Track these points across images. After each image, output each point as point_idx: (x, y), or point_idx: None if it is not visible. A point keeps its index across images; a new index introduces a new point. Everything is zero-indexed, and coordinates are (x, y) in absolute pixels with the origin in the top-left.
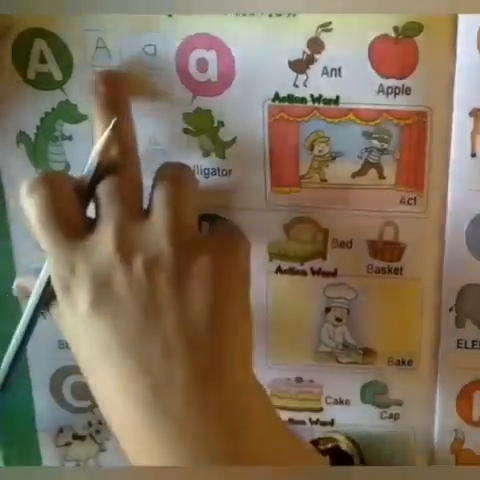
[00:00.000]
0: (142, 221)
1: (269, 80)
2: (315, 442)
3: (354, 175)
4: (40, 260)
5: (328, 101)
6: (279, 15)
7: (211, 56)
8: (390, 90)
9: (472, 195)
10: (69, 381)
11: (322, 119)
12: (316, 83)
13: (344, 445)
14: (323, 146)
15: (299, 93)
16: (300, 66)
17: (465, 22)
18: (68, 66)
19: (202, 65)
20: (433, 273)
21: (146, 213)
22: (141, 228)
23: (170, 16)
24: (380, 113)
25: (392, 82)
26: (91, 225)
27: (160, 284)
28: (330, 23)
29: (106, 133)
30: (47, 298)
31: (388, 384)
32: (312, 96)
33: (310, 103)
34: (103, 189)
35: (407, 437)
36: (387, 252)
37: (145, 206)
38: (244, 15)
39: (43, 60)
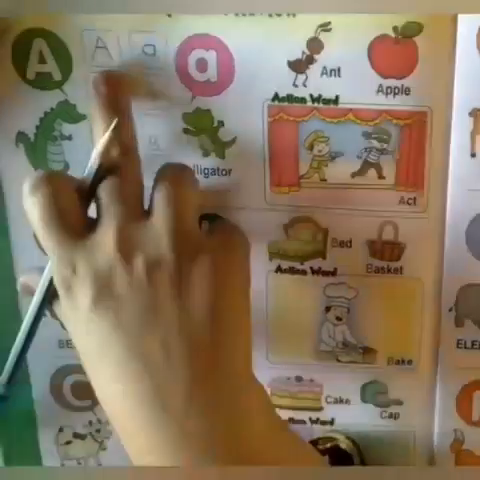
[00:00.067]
0: (143, 221)
1: (269, 80)
2: (314, 442)
3: (354, 175)
4: (40, 259)
5: (328, 101)
6: (279, 15)
7: (211, 56)
8: (390, 90)
9: (472, 195)
10: (69, 380)
11: (322, 119)
12: (316, 83)
13: (344, 444)
14: (323, 146)
15: (299, 93)
16: (300, 66)
17: (465, 22)
18: (67, 66)
19: (202, 65)
20: (433, 273)
21: (147, 213)
22: (142, 228)
23: (170, 16)
24: (380, 113)
25: (392, 82)
26: (92, 225)
27: (161, 284)
28: (329, 23)
29: (107, 134)
30: (51, 297)
31: (388, 384)
32: (312, 96)
33: (310, 103)
34: (104, 189)
35: (407, 437)
36: (387, 252)
37: (146, 206)
38: (244, 15)
39: (42, 60)
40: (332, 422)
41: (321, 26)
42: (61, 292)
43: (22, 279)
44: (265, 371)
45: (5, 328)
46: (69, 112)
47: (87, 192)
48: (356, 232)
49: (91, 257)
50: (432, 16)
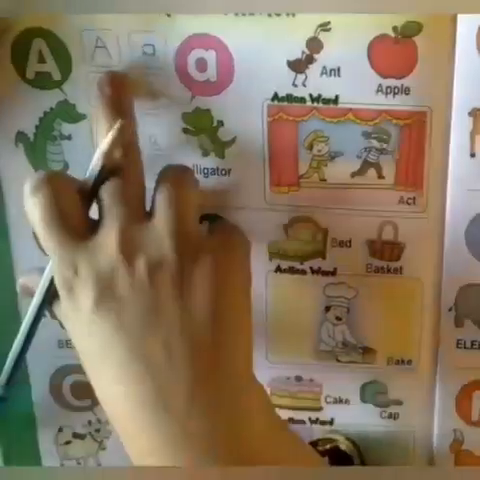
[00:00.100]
0: (145, 223)
1: (268, 80)
2: (314, 443)
3: (353, 175)
4: (39, 260)
5: (327, 101)
6: (278, 15)
7: (210, 56)
8: (389, 90)
9: (471, 195)
10: (69, 380)
11: (321, 119)
12: (315, 83)
13: (343, 445)
14: (322, 146)
15: (298, 93)
16: (299, 66)
17: (465, 22)
18: (67, 66)
19: (201, 65)
20: (432, 273)
21: (148, 215)
22: (144, 230)
23: (169, 16)
24: (379, 113)
25: (391, 82)
26: (94, 227)
27: (163, 285)
28: (329, 23)
29: (111, 135)
30: (51, 297)
31: (388, 384)
32: (311, 96)
33: (309, 103)
34: (107, 191)
35: (406, 437)
36: (386, 251)
37: (147, 208)
38: (243, 15)
39: (42, 60)
40: (332, 422)
41: (321, 26)
42: (62, 293)
43: (21, 280)
44: (265, 371)
45: (4, 329)
46: (69, 112)
47: (89, 193)
48: (356, 232)
49: (93, 258)
50: (432, 16)
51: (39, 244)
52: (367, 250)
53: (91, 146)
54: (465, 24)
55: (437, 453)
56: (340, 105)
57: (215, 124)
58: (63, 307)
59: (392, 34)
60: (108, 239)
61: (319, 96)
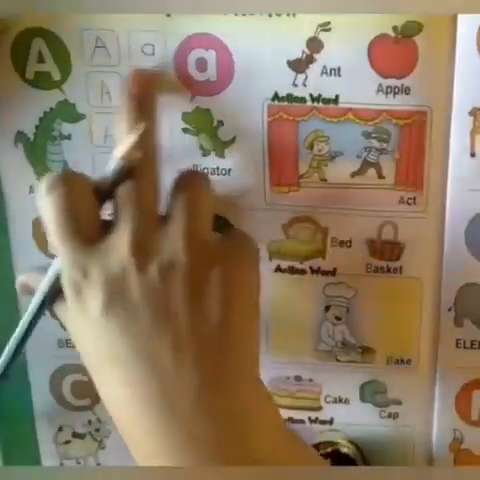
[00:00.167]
0: (159, 226)
1: (268, 80)
2: (315, 447)
3: (353, 174)
4: (39, 259)
5: (327, 101)
6: (278, 15)
7: (210, 56)
8: (389, 90)
9: (471, 195)
10: (69, 380)
11: (321, 118)
12: (315, 83)
13: (345, 448)
14: (322, 145)
15: (298, 92)
16: (299, 66)
17: (465, 22)
18: (67, 66)
19: (201, 64)
20: (432, 272)
21: (162, 218)
22: (157, 233)
23: (169, 16)
24: (379, 113)
25: (391, 82)
26: (106, 228)
27: (174, 289)
28: (329, 23)
29: (133, 137)
30: (52, 297)
31: (387, 383)
32: (311, 96)
33: (309, 103)
34: (122, 192)
35: (406, 436)
36: (386, 251)
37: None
38: (243, 15)
39: (42, 60)
40: (331, 422)
41: (321, 26)
42: (70, 295)
43: (21, 278)
44: (264, 370)
45: (4, 328)
46: (68, 112)
47: (104, 193)
48: (356, 232)
49: (104, 261)
50: (432, 16)
51: (39, 244)
52: (367, 250)
53: (91, 146)
54: (465, 24)
55: (437, 452)
56: (340, 105)
57: (215, 124)
58: (69, 308)
59: (392, 34)
60: (120, 241)
61: (319, 96)
